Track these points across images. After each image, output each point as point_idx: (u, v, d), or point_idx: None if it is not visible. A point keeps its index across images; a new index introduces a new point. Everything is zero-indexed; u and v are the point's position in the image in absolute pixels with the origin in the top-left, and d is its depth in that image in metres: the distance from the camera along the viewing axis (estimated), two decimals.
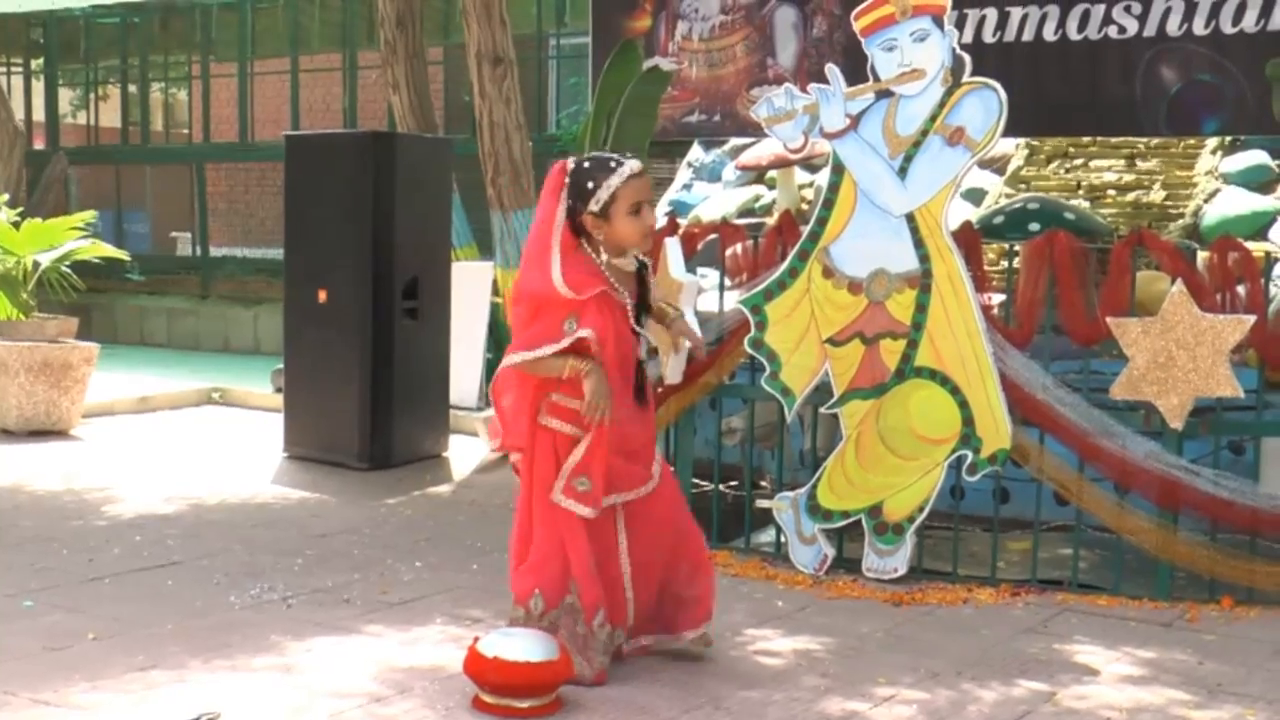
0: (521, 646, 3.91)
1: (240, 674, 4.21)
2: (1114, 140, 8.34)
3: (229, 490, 7.16)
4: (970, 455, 5.40)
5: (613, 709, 3.97)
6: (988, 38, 7.10)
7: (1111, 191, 8.13)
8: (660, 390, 4.70)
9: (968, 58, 5.42)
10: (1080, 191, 8.21)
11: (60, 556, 5.67)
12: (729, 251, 6.18)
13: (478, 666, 3.93)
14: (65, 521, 6.33)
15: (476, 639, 4.03)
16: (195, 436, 9.06)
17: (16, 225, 9.63)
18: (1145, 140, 8.22)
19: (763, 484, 6.61)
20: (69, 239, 9.74)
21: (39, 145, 16.31)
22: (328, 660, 4.37)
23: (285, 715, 3.84)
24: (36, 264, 9.48)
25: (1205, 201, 7.85)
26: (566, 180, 4.20)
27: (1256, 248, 6.04)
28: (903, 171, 5.47)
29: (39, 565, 5.50)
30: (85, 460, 7.96)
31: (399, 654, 4.45)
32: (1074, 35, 6.93)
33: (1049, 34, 6.99)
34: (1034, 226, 6.75)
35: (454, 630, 4.73)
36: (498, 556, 5.88)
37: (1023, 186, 8.36)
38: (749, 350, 5.81)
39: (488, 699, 3.91)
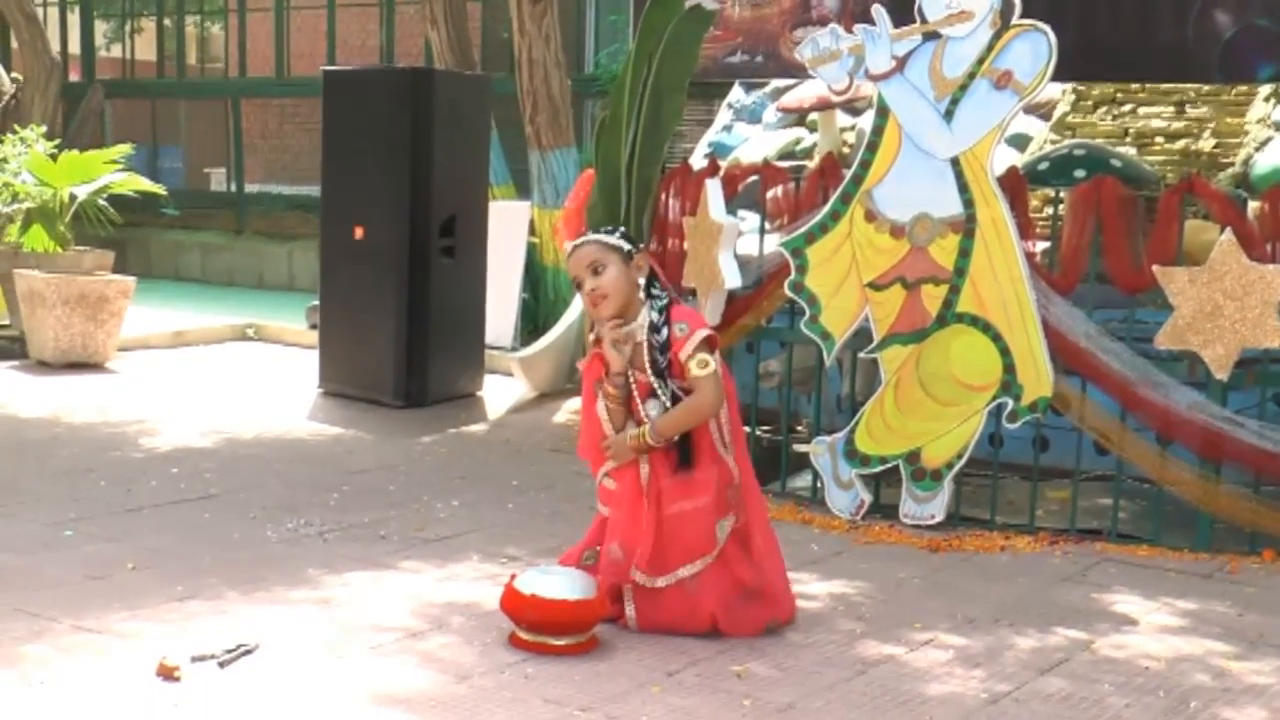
0: (559, 584, 3.94)
1: (278, 606, 4.26)
2: (1164, 86, 8.25)
3: (264, 425, 7.23)
4: (1011, 402, 5.40)
5: (648, 648, 4.01)
6: None
7: (1160, 139, 8.06)
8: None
9: (1017, 0, 5.37)
10: (1128, 138, 8.15)
11: (98, 487, 5.75)
12: (770, 194, 6.17)
13: (514, 603, 3.96)
14: (103, 453, 6.41)
15: (513, 576, 4.06)
16: (230, 371, 9.14)
17: (54, 157, 9.69)
18: (1196, 86, 8.13)
19: (800, 428, 6.62)
20: (105, 172, 9.79)
21: (74, 78, 16.35)
22: (364, 595, 4.42)
23: (323, 648, 3.89)
24: (73, 197, 9.54)
25: (1257, 150, 7.77)
26: None
27: None
28: (949, 114, 5.43)
29: (78, 495, 5.58)
30: (121, 393, 8.05)
31: (435, 590, 4.50)
32: None
33: None
34: (1080, 173, 6.71)
35: (490, 568, 4.77)
36: (533, 495, 5.94)
37: (1069, 133, 8.30)
38: (788, 293, 5.81)
39: (524, 636, 3.95)
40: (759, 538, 4.27)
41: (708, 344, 4.13)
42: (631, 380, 4.18)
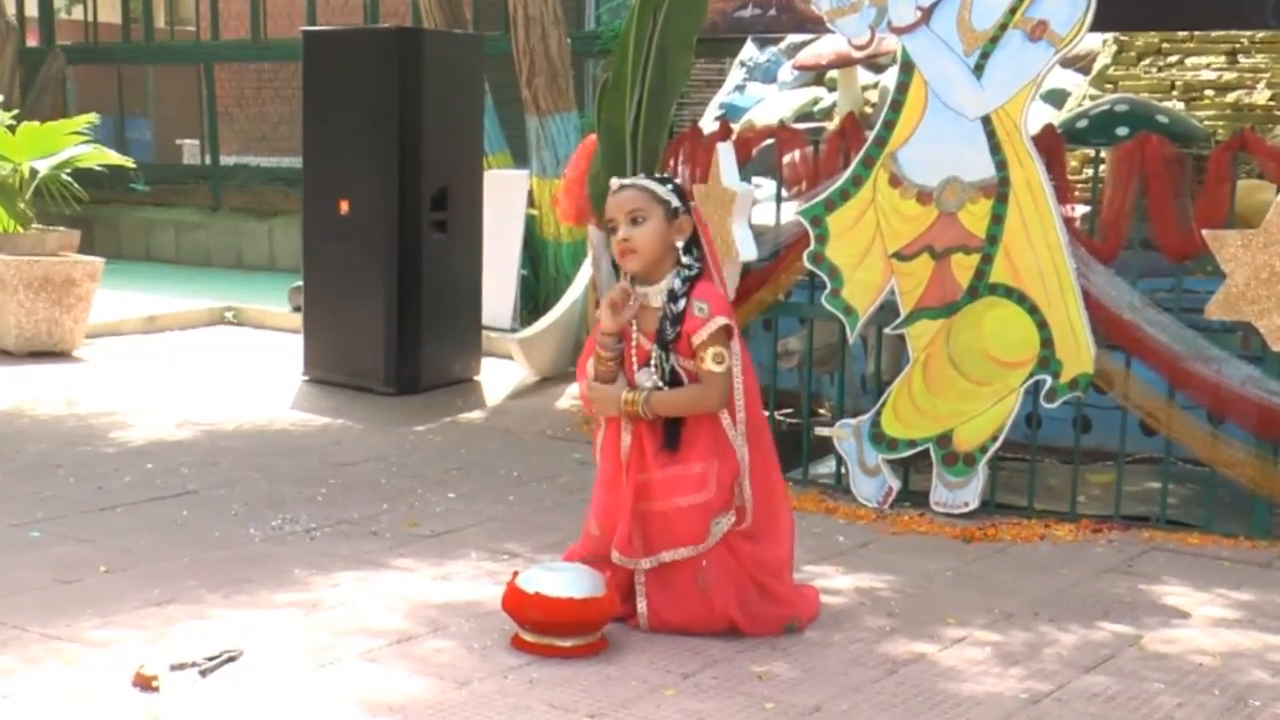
0: (565, 582, 3.95)
1: (262, 610, 4.28)
2: (1214, 35, 8.22)
3: (245, 416, 7.25)
4: (1049, 380, 5.40)
5: (661, 649, 4.02)
6: None
7: (1209, 92, 8.03)
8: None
9: None
10: (1174, 92, 8.12)
11: (67, 485, 5.77)
12: (786, 158, 6.17)
13: (517, 602, 3.98)
14: (71, 448, 6.43)
15: (516, 573, 4.08)
16: (207, 358, 9.16)
17: (12, 129, 9.69)
18: (1249, 34, 8.10)
19: (822, 411, 6.63)
20: (69, 144, 9.80)
21: (32, 42, 16.34)
22: (355, 596, 4.44)
23: (310, 654, 3.91)
24: (34, 171, 9.55)
25: None
26: None
27: None
28: (979, 70, 5.43)
29: (45, 494, 5.60)
30: (90, 383, 8.07)
31: (431, 590, 4.52)
32: None
33: None
34: (1122, 130, 6.68)
35: (489, 565, 4.79)
36: (534, 487, 5.95)
37: (1110, 87, 8.27)
38: (808, 265, 5.81)
39: (528, 637, 3.97)
40: (785, 526, 4.30)
41: (725, 334, 4.10)
42: (635, 343, 4.18)
